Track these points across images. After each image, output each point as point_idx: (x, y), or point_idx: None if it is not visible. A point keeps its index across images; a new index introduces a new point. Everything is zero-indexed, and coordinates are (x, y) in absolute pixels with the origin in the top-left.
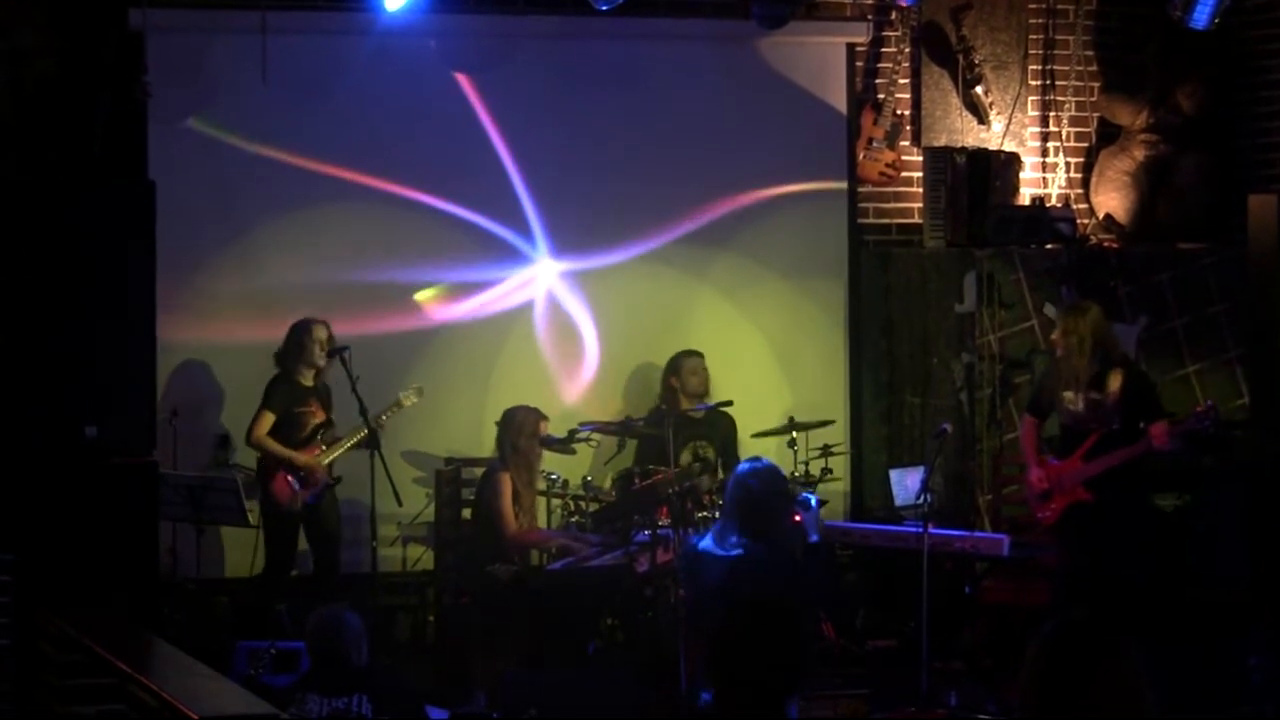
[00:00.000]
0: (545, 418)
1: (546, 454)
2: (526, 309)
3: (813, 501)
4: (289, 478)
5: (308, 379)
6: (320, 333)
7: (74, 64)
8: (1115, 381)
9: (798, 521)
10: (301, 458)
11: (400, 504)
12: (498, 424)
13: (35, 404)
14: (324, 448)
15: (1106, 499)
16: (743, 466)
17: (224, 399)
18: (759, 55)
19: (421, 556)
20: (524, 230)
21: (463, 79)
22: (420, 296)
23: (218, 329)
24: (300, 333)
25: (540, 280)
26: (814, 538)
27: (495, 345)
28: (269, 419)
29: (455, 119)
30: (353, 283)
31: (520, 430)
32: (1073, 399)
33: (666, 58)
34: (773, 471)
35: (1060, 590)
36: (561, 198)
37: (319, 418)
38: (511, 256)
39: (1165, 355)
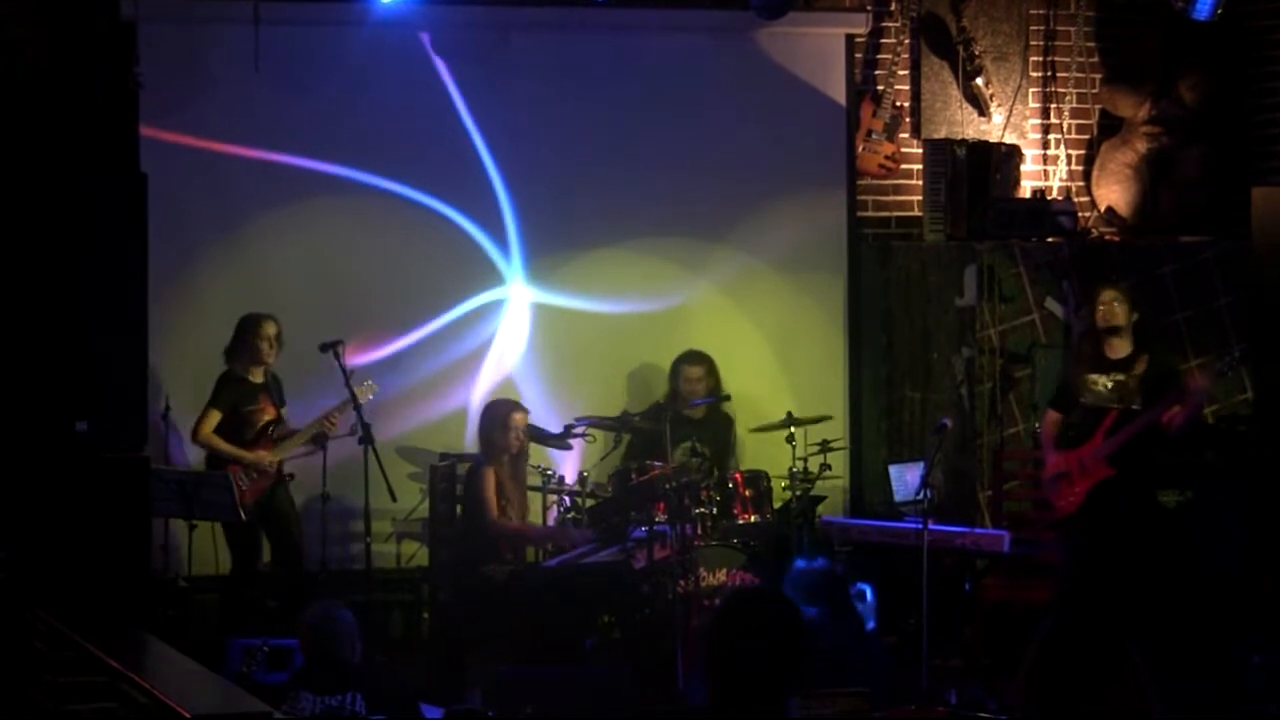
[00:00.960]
0: (522, 409)
1: (543, 449)
2: (521, 301)
3: (869, 594)
4: (239, 475)
5: (257, 375)
6: (269, 329)
7: (65, 54)
8: (1141, 364)
9: (855, 612)
10: (248, 456)
11: (394, 499)
12: (479, 418)
13: (25, 399)
14: (274, 445)
15: (1129, 479)
16: (798, 563)
17: None
18: (757, 46)
19: (416, 553)
20: (519, 222)
21: (457, 71)
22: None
23: (210, 323)
24: (247, 330)
25: (534, 273)
26: (870, 625)
27: (490, 339)
28: (215, 417)
29: (450, 111)
30: (346, 277)
31: (494, 423)
32: (1095, 380)
33: (664, 49)
34: (826, 570)
35: (1066, 586)
36: (556, 190)
37: (269, 415)
38: (506, 249)
39: (1167, 349)
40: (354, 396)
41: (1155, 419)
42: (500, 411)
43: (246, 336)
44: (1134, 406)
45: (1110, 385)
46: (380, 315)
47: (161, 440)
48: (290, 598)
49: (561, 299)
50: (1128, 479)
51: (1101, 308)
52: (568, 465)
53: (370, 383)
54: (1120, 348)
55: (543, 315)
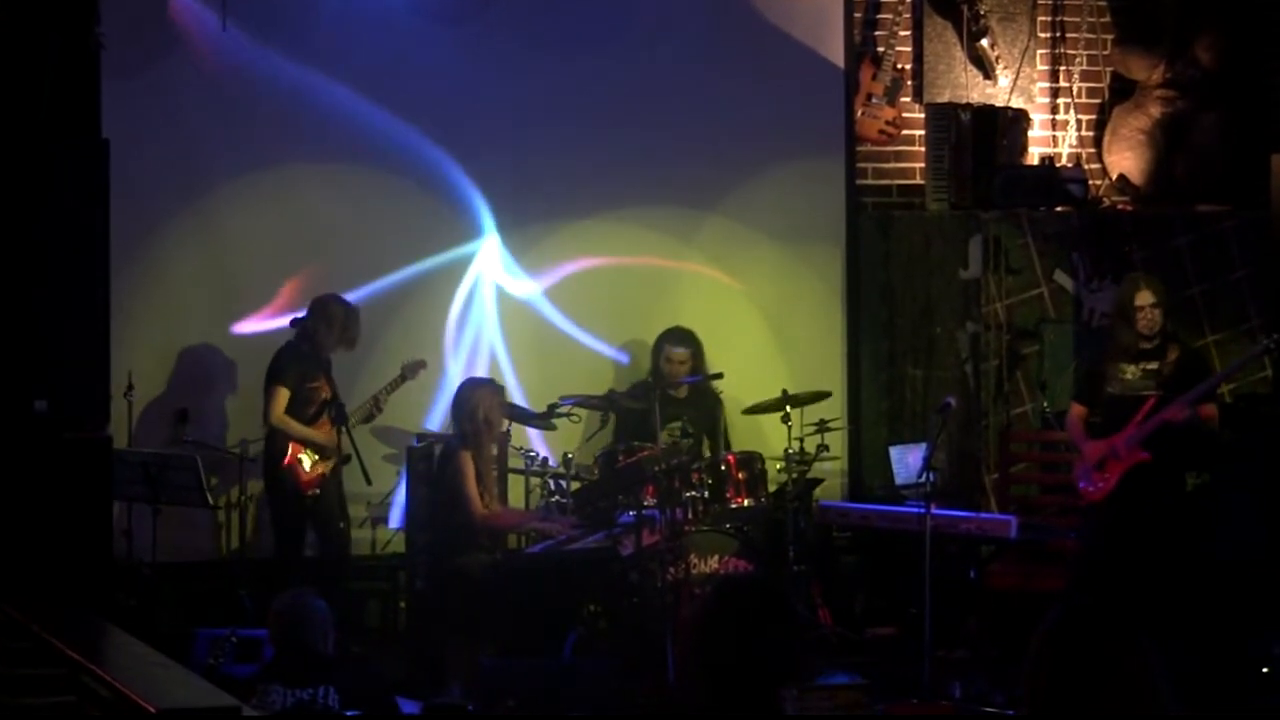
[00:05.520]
0: (502, 388)
1: (525, 430)
2: (502, 274)
3: None
4: (301, 457)
5: (319, 352)
6: (338, 313)
7: (20, 13)
8: (1174, 353)
9: None
10: (321, 436)
11: (369, 483)
12: (453, 399)
13: None
14: (332, 424)
15: (1164, 464)
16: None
17: (183, 371)
18: (751, 5)
19: (392, 539)
20: (501, 189)
21: (437, 27)
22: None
23: (176, 296)
24: (348, 312)
25: (515, 245)
26: None
27: (467, 313)
28: (285, 395)
29: (429, 70)
30: (318, 248)
31: (477, 405)
32: (1124, 369)
33: (654, 8)
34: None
35: (1081, 573)
36: (540, 158)
37: (326, 393)
38: (484, 220)
39: (1183, 324)
40: (401, 376)
41: (1193, 411)
42: (487, 393)
43: (347, 320)
44: (1165, 394)
45: (1140, 373)
46: (353, 287)
47: (124, 420)
48: (263, 587)
49: (544, 271)
50: (1163, 464)
51: (1142, 316)
52: (548, 444)
53: (419, 359)
54: (1159, 333)
55: (523, 289)
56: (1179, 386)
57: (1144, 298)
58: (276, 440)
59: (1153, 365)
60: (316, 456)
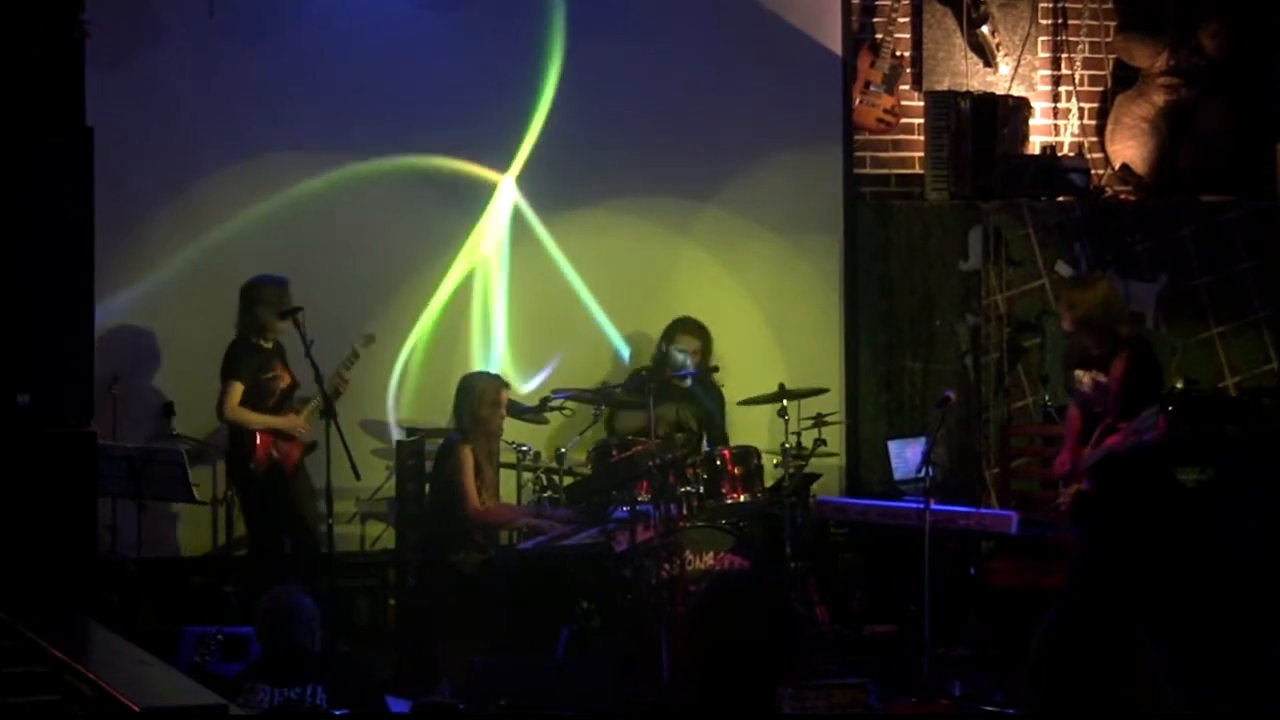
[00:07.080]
0: (506, 384)
1: (517, 423)
2: (495, 267)
3: None
4: (270, 447)
5: (268, 341)
6: (269, 294)
7: (3, 1)
8: (1119, 367)
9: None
10: (282, 421)
11: (358, 478)
12: (455, 392)
13: None
14: (297, 411)
15: (1105, 491)
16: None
17: (168, 364)
18: None
19: (381, 534)
20: (493, 180)
21: (426, 14)
22: None
23: (162, 288)
24: (279, 297)
25: (509, 237)
26: None
27: (462, 305)
28: (239, 389)
29: (421, 57)
30: (305, 239)
31: (480, 398)
32: (1080, 378)
33: None
34: None
35: (1079, 571)
36: (534, 148)
37: (285, 381)
38: (478, 208)
39: (1187, 316)
40: (316, 369)
41: (1138, 439)
42: (491, 387)
43: (271, 305)
44: (1119, 412)
45: (1088, 383)
46: (342, 281)
47: (109, 414)
48: (249, 583)
49: (538, 263)
50: (1104, 496)
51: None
52: (540, 438)
53: (368, 333)
54: (1092, 345)
55: (518, 282)
56: (1130, 399)
57: (1061, 295)
58: (243, 438)
59: (1103, 377)
60: (285, 443)
